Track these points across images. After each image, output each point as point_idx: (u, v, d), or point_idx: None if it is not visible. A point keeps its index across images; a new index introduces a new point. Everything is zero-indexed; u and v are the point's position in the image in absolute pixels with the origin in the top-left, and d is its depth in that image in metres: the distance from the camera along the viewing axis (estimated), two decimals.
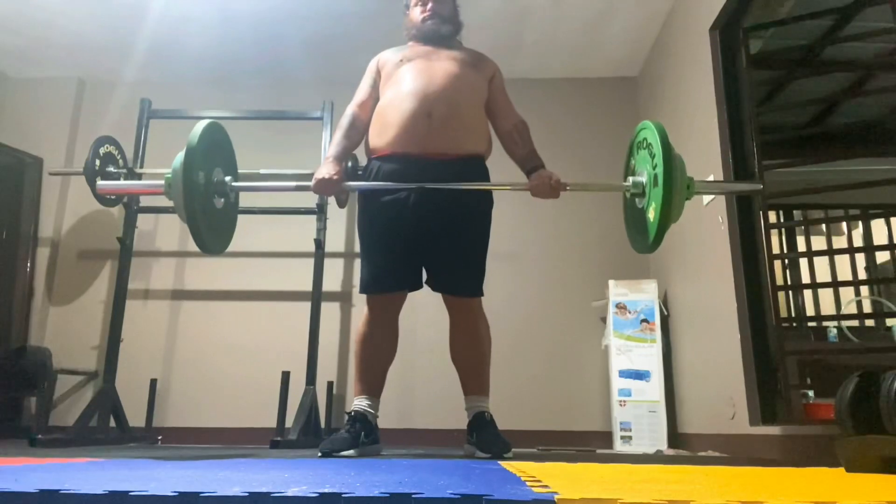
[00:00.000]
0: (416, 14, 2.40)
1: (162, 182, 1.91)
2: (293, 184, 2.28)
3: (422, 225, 2.15)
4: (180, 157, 1.86)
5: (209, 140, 1.95)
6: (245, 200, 3.98)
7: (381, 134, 2.21)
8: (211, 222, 1.97)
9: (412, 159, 2.15)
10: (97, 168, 3.66)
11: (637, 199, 2.04)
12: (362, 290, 2.23)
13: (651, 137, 1.93)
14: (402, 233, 2.16)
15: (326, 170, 2.14)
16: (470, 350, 2.24)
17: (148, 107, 3.81)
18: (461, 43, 2.46)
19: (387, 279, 2.19)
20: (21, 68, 4.37)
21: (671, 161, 1.83)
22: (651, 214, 1.91)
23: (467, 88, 2.25)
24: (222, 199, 2.05)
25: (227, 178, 2.04)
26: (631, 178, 2.05)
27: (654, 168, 1.90)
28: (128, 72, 4.29)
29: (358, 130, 2.29)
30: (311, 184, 2.13)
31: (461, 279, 2.20)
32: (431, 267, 2.22)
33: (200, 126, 1.91)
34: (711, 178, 3.01)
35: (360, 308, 2.36)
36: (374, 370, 2.22)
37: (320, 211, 3.62)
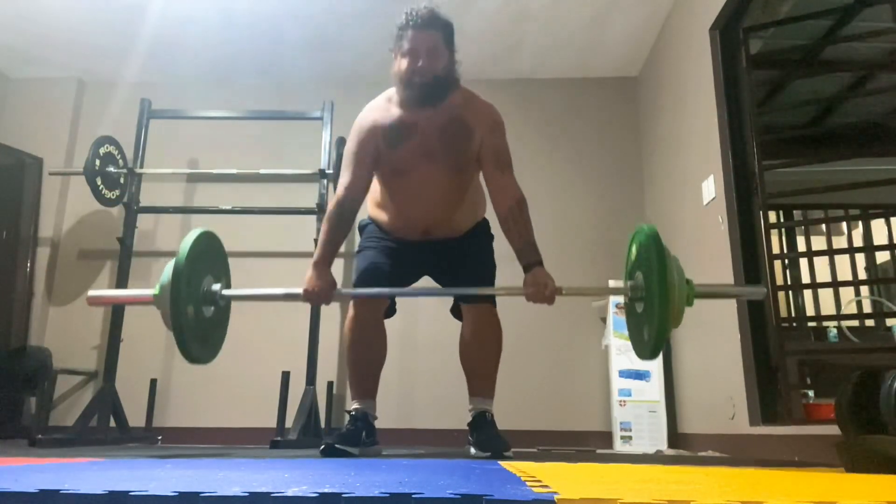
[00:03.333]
0: (403, 67, 2.02)
1: (151, 292, 1.89)
2: (282, 291, 2.07)
3: (427, 256, 2.23)
4: (168, 270, 1.83)
5: (198, 251, 1.90)
6: (245, 200, 4.02)
7: (380, 216, 2.25)
8: (198, 332, 1.92)
9: (413, 241, 2.22)
10: (97, 168, 3.67)
11: (637, 304, 1.91)
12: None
13: (646, 243, 1.83)
14: (404, 257, 2.21)
15: (316, 279, 2.03)
16: (479, 353, 2.23)
17: (148, 107, 3.80)
18: (453, 92, 2.09)
19: (374, 282, 2.19)
20: (21, 68, 4.37)
21: (665, 272, 1.72)
22: (647, 330, 1.83)
23: (461, 186, 2.18)
24: (212, 308, 1.98)
25: (217, 287, 1.97)
26: (629, 282, 1.95)
27: (650, 281, 1.79)
28: (128, 72, 4.30)
29: (348, 221, 2.13)
30: (300, 293, 2.02)
31: (472, 284, 2.22)
32: (441, 281, 2.28)
33: (189, 240, 1.88)
34: (711, 178, 3.01)
35: None
36: (367, 373, 2.21)
37: (320, 211, 3.62)
